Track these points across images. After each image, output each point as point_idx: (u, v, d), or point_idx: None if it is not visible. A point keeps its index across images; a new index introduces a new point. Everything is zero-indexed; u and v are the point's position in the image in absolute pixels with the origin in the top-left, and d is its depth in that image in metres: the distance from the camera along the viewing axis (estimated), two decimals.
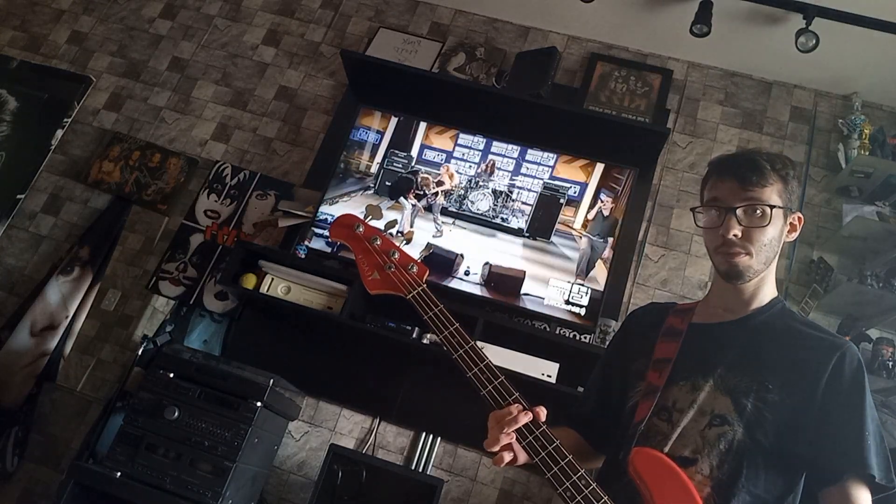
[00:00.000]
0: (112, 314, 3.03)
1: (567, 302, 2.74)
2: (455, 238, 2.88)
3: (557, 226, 2.85)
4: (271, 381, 2.37)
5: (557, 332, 2.75)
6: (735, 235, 1.23)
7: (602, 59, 3.36)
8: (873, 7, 2.71)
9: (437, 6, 3.59)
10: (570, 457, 1.14)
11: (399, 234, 2.90)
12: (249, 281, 2.77)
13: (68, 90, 3.50)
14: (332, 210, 2.96)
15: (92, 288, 3.02)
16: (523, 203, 2.91)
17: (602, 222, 2.83)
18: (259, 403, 2.33)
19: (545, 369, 2.54)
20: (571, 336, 2.75)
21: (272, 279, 2.77)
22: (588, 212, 2.86)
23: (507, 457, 1.16)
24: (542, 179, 2.93)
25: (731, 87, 3.30)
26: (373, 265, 1.36)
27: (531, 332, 2.68)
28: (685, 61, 3.36)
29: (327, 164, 3.10)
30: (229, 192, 3.21)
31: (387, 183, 3.00)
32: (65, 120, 3.43)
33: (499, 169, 2.96)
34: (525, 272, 2.79)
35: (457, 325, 1.25)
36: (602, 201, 2.85)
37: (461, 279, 2.80)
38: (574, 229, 2.84)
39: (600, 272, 2.76)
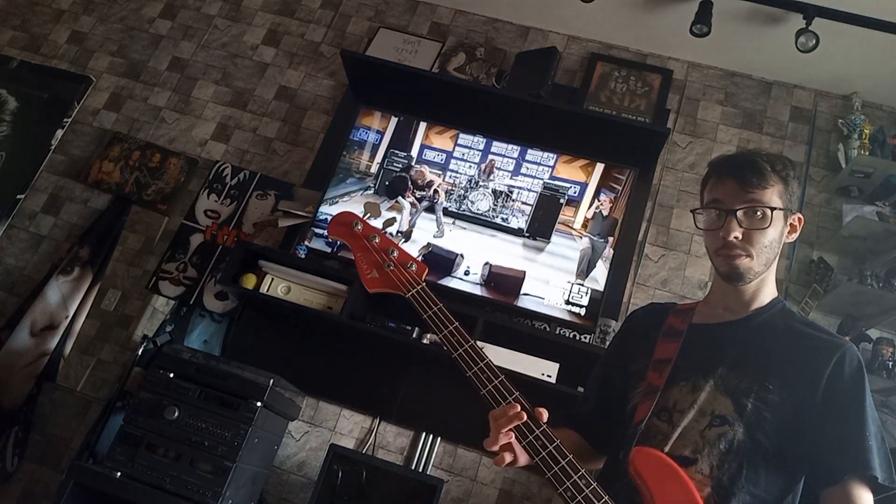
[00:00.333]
0: (112, 314, 3.03)
1: (567, 302, 2.74)
2: (455, 238, 2.88)
3: (557, 226, 2.85)
4: (271, 381, 2.37)
5: (557, 332, 2.75)
6: (736, 237, 1.23)
7: (602, 59, 3.36)
8: (873, 7, 2.71)
9: (437, 6, 3.59)
10: (571, 456, 1.14)
11: (399, 234, 2.90)
12: (249, 281, 2.77)
13: (68, 90, 3.50)
14: (332, 210, 2.96)
15: (92, 288, 3.02)
16: (523, 203, 2.91)
17: (602, 222, 2.83)
18: (259, 403, 2.33)
19: (545, 369, 2.54)
20: (571, 336, 2.75)
21: (272, 279, 2.77)
22: (587, 211, 2.86)
23: (508, 457, 1.16)
24: (542, 179, 2.93)
25: (731, 87, 3.30)
26: (372, 263, 1.36)
27: (531, 332, 2.68)
28: (685, 61, 3.36)
29: (327, 165, 3.09)
30: (229, 192, 3.21)
31: (386, 183, 3.00)
32: (65, 120, 3.43)
33: (499, 169, 2.96)
34: (525, 272, 2.79)
35: (456, 323, 1.25)
36: (600, 201, 2.85)
37: (461, 279, 2.80)
38: (574, 229, 2.84)
39: (600, 272, 2.76)
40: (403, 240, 2.89)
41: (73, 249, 3.08)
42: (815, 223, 2.99)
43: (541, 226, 2.86)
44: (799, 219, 1.31)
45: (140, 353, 2.78)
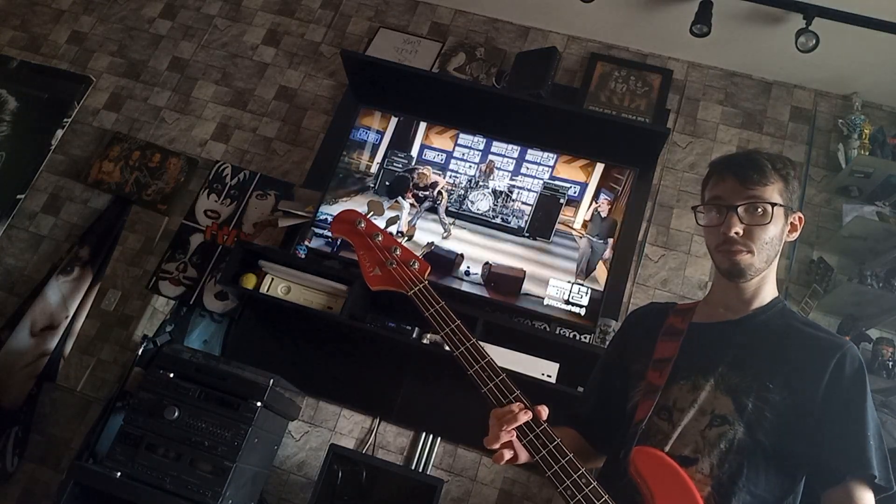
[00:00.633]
0: (112, 314, 3.02)
1: (567, 302, 2.74)
2: (455, 238, 2.88)
3: (557, 226, 2.85)
4: (271, 381, 2.37)
5: (557, 332, 2.75)
6: (736, 233, 1.23)
7: (602, 59, 3.36)
8: (873, 7, 2.71)
9: (437, 6, 3.59)
10: (571, 455, 1.14)
11: (399, 234, 2.90)
12: (249, 281, 2.77)
13: (68, 90, 3.50)
14: (332, 210, 2.96)
15: (92, 288, 3.02)
16: (523, 203, 2.91)
17: (601, 222, 2.83)
18: (259, 403, 2.33)
19: (545, 369, 2.54)
20: (571, 336, 2.75)
21: (272, 279, 2.77)
22: (586, 213, 2.86)
23: (507, 454, 1.16)
24: (542, 179, 2.93)
25: (731, 87, 3.30)
26: (374, 261, 1.36)
27: (531, 332, 2.68)
28: (685, 61, 3.36)
29: (327, 164, 3.10)
30: (229, 192, 3.21)
31: (386, 183, 3.00)
32: (65, 120, 3.43)
33: (499, 169, 2.96)
34: (525, 272, 2.79)
35: (458, 322, 1.25)
36: (598, 203, 2.85)
37: (461, 279, 2.80)
38: (574, 229, 2.84)
39: (600, 272, 2.76)
40: (406, 239, 2.88)
41: (73, 249, 3.08)
42: (815, 223, 2.99)
43: (541, 226, 2.86)
44: (799, 218, 1.32)
45: (140, 353, 2.78)
